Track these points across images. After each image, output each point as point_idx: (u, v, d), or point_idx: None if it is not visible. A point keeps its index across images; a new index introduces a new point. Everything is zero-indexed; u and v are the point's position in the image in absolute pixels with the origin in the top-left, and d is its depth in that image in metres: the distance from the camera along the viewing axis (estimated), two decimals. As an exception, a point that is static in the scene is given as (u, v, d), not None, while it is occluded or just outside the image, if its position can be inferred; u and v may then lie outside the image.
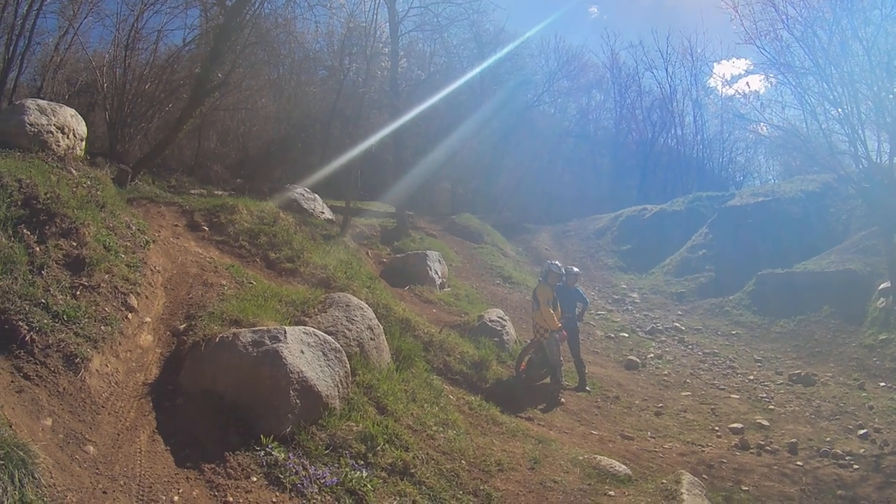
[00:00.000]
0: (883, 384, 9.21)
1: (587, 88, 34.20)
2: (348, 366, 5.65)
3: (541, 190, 30.04)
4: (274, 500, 4.19)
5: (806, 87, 10.26)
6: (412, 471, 4.97)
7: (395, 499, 4.63)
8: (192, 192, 13.74)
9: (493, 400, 7.51)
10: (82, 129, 8.78)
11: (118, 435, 4.39)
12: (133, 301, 5.92)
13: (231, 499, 4.08)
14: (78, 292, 5.38)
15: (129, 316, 5.74)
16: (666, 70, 34.00)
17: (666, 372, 10.41)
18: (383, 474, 4.82)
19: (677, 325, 13.18)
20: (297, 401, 4.91)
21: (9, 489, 3.11)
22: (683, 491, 5.34)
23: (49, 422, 4.09)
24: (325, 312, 6.64)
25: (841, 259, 13.38)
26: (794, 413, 8.39)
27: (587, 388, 8.85)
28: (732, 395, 9.18)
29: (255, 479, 4.30)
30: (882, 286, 11.27)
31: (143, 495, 3.87)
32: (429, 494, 4.84)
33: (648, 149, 33.53)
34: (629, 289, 16.23)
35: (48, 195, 6.12)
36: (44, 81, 16.01)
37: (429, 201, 23.33)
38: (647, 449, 6.94)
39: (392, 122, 17.64)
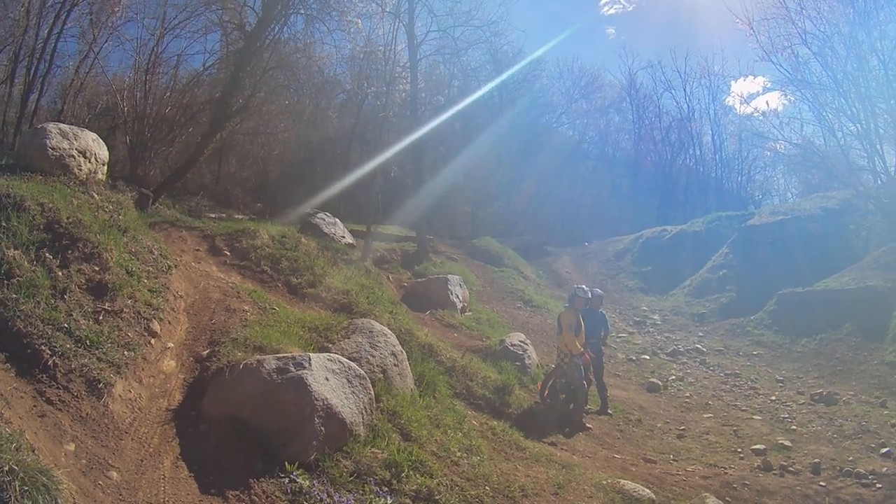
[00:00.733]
0: (904, 401, 8.98)
1: (605, 110, 34.08)
2: (372, 392, 5.56)
3: (560, 212, 29.85)
4: (299, 527, 4.07)
5: (823, 102, 10.25)
6: (437, 497, 4.83)
7: (420, 526, 4.49)
8: (212, 215, 13.86)
9: (515, 425, 7.41)
10: (104, 153, 8.79)
11: (142, 461, 4.34)
12: (156, 326, 5.88)
13: (256, 527, 3.97)
14: (101, 317, 5.36)
15: (152, 341, 5.71)
16: (684, 89, 33.89)
17: (688, 394, 10.26)
18: (408, 501, 4.70)
19: (699, 346, 12.98)
20: (322, 427, 4.81)
21: (33, 516, 3.03)
22: (708, 514, 5.25)
23: (72, 447, 4.04)
24: (349, 338, 6.59)
25: (861, 276, 13.11)
26: (816, 433, 8.24)
27: (609, 411, 8.73)
28: (755, 416, 9.02)
29: (279, 506, 4.19)
30: (903, 302, 10.98)
31: (167, 523, 3.78)
32: (454, 521, 4.72)
33: (667, 169, 33.35)
34: (650, 311, 16.02)
35: (70, 219, 6.12)
36: (64, 104, 16.30)
37: (449, 224, 23.35)
38: (670, 472, 6.83)
39: (411, 146, 17.66)
